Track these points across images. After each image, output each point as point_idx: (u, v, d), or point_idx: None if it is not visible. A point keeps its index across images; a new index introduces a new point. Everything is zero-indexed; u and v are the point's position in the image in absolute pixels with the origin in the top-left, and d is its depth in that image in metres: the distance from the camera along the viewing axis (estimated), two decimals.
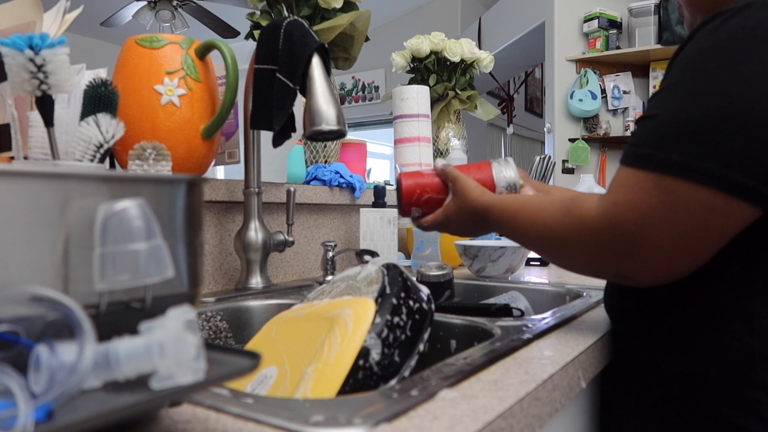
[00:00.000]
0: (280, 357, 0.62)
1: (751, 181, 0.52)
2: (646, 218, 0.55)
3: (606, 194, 0.59)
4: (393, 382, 0.55)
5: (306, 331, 0.61)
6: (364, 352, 0.54)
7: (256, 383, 0.60)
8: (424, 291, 0.63)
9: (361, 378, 0.53)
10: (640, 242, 0.56)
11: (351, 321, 0.56)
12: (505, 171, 0.83)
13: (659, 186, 0.54)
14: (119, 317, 0.35)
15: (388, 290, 0.60)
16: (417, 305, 0.60)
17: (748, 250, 0.58)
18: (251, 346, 0.67)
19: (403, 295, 0.60)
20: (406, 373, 0.57)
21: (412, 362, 0.58)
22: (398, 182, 0.86)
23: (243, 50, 1.24)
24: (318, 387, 0.52)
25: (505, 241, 1.32)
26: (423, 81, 1.88)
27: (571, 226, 0.62)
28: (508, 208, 0.74)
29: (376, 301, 0.58)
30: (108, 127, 0.59)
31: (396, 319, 0.58)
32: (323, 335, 0.57)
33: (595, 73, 3.43)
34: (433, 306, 0.62)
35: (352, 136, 1.53)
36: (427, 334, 0.60)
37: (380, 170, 5.88)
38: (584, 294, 0.99)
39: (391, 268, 0.63)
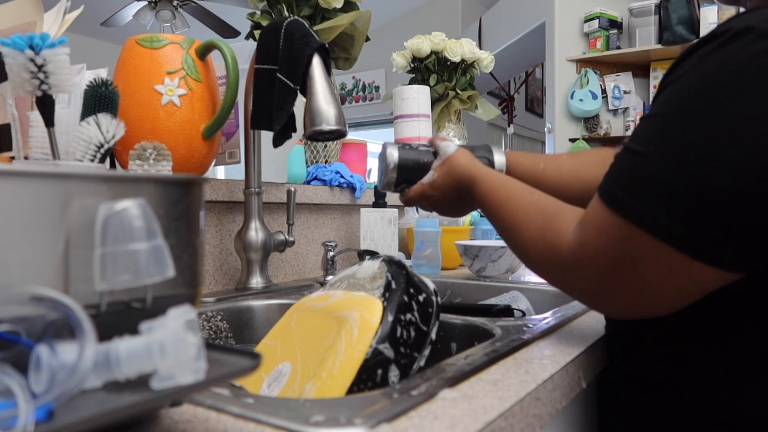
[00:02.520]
0: (294, 352, 0.62)
1: (716, 246, 0.48)
2: (609, 268, 0.54)
3: (579, 229, 0.57)
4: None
5: (319, 328, 0.62)
6: (382, 363, 0.54)
7: (271, 379, 0.61)
8: (429, 284, 0.63)
9: (381, 385, 0.54)
10: (601, 288, 0.56)
11: (356, 327, 0.56)
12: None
13: (625, 236, 0.52)
14: (120, 317, 0.35)
15: (393, 285, 0.60)
16: (424, 296, 0.61)
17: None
18: (275, 331, 0.68)
19: (412, 290, 0.60)
20: (422, 363, 0.58)
21: (426, 352, 0.59)
22: (386, 150, 0.83)
23: (243, 50, 1.24)
24: (321, 396, 0.52)
25: None
26: (423, 81, 1.88)
27: (544, 252, 0.60)
28: (495, 193, 0.70)
29: (383, 297, 0.58)
30: (108, 127, 0.59)
31: (408, 316, 0.58)
32: (332, 337, 0.58)
33: (595, 73, 3.43)
34: (439, 298, 0.62)
35: (352, 136, 1.53)
36: (437, 326, 0.61)
37: None
38: None
39: (391, 262, 0.63)
